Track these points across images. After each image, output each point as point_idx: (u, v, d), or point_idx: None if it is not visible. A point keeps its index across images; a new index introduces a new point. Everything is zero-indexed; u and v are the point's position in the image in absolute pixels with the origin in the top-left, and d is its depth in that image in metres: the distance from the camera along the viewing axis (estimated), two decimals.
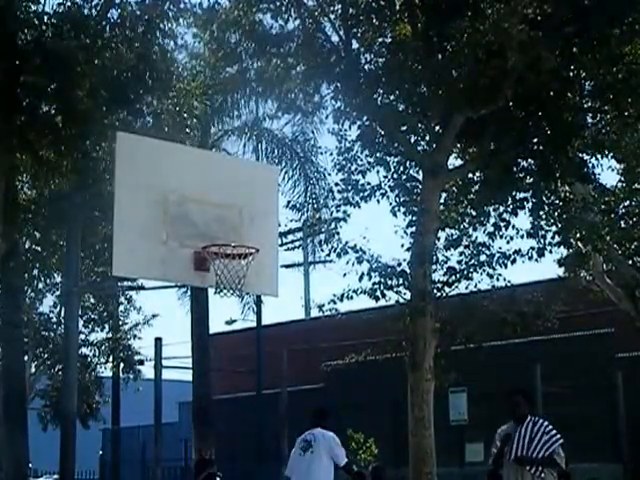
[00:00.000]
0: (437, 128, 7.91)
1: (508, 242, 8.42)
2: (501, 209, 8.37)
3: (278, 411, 9.65)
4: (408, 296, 7.83)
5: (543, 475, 4.89)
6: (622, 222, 10.35)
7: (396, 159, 8.33)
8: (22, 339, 10.37)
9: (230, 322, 17.46)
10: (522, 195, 8.26)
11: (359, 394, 12.82)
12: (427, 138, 8.25)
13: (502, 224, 8.36)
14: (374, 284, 8.15)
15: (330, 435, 5.98)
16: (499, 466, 5.00)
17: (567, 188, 8.37)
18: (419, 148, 8.26)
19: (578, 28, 7.08)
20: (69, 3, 6.77)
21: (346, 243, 8.23)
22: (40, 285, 13.48)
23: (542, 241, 8.29)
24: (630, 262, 10.54)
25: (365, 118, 7.89)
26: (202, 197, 5.12)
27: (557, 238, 8.54)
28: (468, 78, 7.01)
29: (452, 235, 8.68)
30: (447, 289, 8.31)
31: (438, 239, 8.29)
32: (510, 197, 8.24)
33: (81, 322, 13.23)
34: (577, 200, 8.51)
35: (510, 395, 5.15)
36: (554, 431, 4.98)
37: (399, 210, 8.36)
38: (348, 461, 6.03)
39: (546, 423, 5.02)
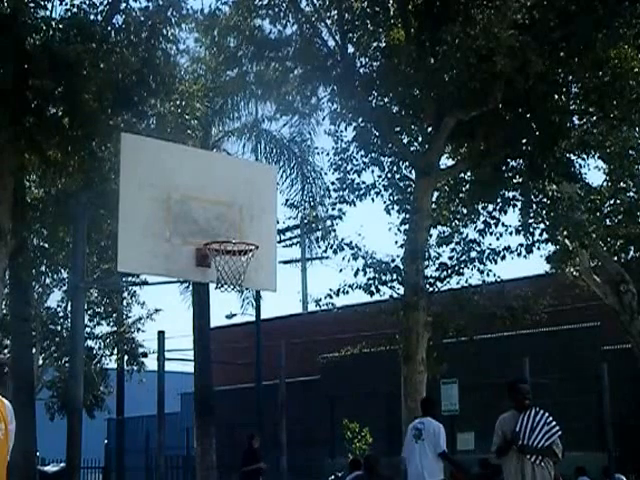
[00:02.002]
0: (429, 129, 8.08)
1: (498, 239, 8.65)
2: (491, 207, 8.58)
3: (276, 401, 9.91)
4: (402, 291, 8.03)
5: (543, 464, 4.95)
6: (607, 220, 10.58)
7: (390, 159, 8.52)
8: (30, 332, 10.57)
9: (230, 316, 17.67)
10: (511, 194, 8.47)
11: (354, 385, 13.02)
12: (420, 139, 8.44)
13: (492, 222, 8.56)
14: (369, 279, 8.37)
15: (436, 424, 6.36)
16: (504, 454, 5.02)
17: (554, 187, 8.53)
18: (412, 149, 8.44)
19: (565, 33, 7.25)
20: (75, 9, 6.92)
21: (342, 240, 8.43)
22: (48, 280, 13.64)
23: (530, 238, 8.48)
24: (615, 258, 10.78)
25: (360, 120, 8.05)
26: (203, 196, 5.29)
27: (545, 235, 8.76)
28: (459, 81, 7.15)
29: (444, 232, 8.91)
30: (439, 284, 8.53)
31: (430, 236, 8.50)
32: (500, 196, 8.44)
33: (87, 316, 13.39)
34: (564, 199, 8.68)
35: (519, 384, 5.17)
36: (554, 422, 5.04)
37: (393, 208, 8.57)
38: (445, 451, 6.34)
39: (547, 414, 5.07)
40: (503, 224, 8.62)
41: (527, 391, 5.16)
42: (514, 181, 8.34)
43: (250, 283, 5.59)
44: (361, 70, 8.14)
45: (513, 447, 5.04)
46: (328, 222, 8.89)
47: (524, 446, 5.00)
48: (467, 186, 8.72)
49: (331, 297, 8.73)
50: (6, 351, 11.77)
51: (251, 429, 11.28)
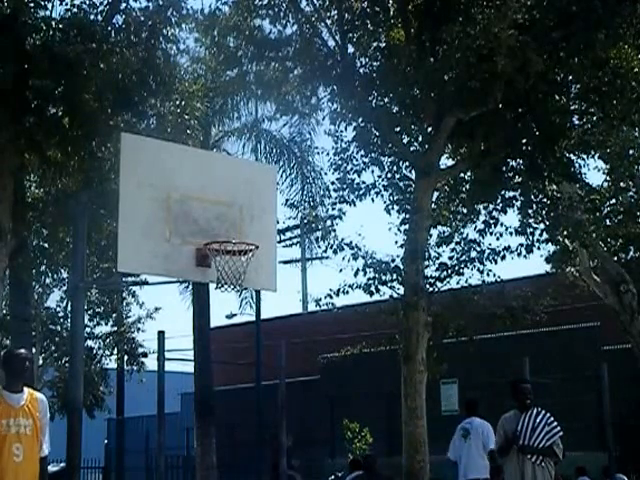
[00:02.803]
0: (429, 129, 8.06)
1: (498, 239, 8.68)
2: (491, 207, 8.59)
3: (276, 401, 9.90)
4: (402, 291, 8.04)
5: (543, 464, 4.99)
6: (607, 220, 10.60)
7: (390, 159, 8.52)
8: (30, 332, 10.57)
9: (230, 316, 17.71)
10: (511, 194, 8.47)
11: (354, 385, 13.06)
12: (420, 139, 8.42)
13: (492, 222, 8.58)
14: (369, 279, 8.40)
15: (482, 423, 6.65)
16: (505, 454, 5.10)
17: (554, 187, 8.52)
18: (412, 148, 8.42)
19: (565, 33, 7.23)
20: (75, 9, 6.92)
21: (342, 240, 8.46)
22: (47, 280, 13.61)
23: (530, 238, 8.50)
24: (615, 258, 10.78)
25: (360, 120, 8.04)
26: (203, 196, 5.32)
27: (545, 235, 8.78)
28: (459, 81, 7.15)
29: (444, 232, 8.93)
30: (439, 284, 8.58)
31: (430, 236, 8.52)
32: (500, 196, 8.44)
33: (87, 316, 13.40)
34: (564, 199, 8.68)
35: (520, 384, 5.22)
36: (555, 422, 5.07)
37: (393, 208, 8.58)
38: (493, 449, 6.44)
39: (548, 414, 5.10)
40: (503, 224, 8.65)
41: (529, 391, 5.18)
42: (514, 181, 8.34)
43: (250, 283, 5.62)
44: (361, 70, 8.14)
45: (514, 447, 5.05)
46: (328, 222, 8.90)
47: (524, 446, 5.02)
48: (467, 186, 8.73)
49: (331, 297, 8.78)
50: None
51: (251, 428, 11.28)
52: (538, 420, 5.06)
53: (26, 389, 4.06)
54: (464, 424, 6.79)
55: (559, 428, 5.13)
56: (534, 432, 5.02)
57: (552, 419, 5.13)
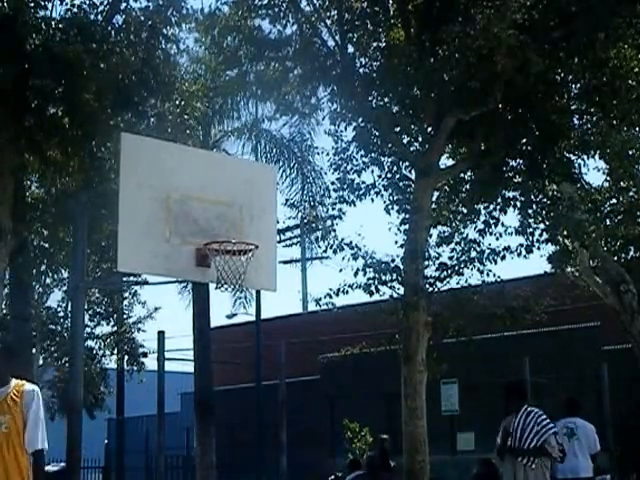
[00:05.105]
0: (429, 129, 8.05)
1: (498, 239, 8.62)
2: (491, 207, 8.54)
3: (276, 401, 9.92)
4: (401, 291, 8.01)
5: (534, 466, 4.92)
6: (607, 220, 10.57)
7: (390, 159, 8.48)
8: (30, 332, 10.59)
9: (230, 316, 17.71)
10: (511, 194, 8.42)
11: (354, 385, 13.09)
12: (420, 139, 8.39)
13: (492, 222, 8.53)
14: (369, 279, 8.34)
15: (590, 425, 6.73)
16: (503, 457, 5.09)
17: (554, 187, 8.51)
18: (412, 148, 8.40)
19: (565, 33, 7.23)
20: (75, 9, 6.93)
21: (342, 240, 8.42)
22: (48, 280, 13.61)
23: (530, 238, 8.46)
24: (615, 258, 10.76)
25: (360, 120, 8.02)
26: (203, 195, 5.31)
27: (545, 235, 8.75)
28: (459, 81, 7.13)
29: (444, 232, 8.88)
30: (439, 284, 8.52)
31: (430, 236, 8.47)
32: (500, 196, 8.39)
33: (87, 316, 13.43)
34: (564, 199, 8.65)
35: (512, 385, 5.31)
36: (546, 421, 4.99)
37: (392, 208, 8.52)
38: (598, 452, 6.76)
39: (540, 413, 5.04)
40: (503, 224, 8.63)
41: (506, 396, 5.18)
42: (514, 181, 8.32)
43: (250, 283, 5.62)
44: (361, 70, 8.12)
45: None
46: (328, 222, 8.89)
47: (513, 448, 4.99)
48: (467, 186, 8.71)
49: (331, 297, 8.73)
50: None
51: (251, 428, 11.25)
52: (528, 421, 5.00)
53: (14, 382, 3.76)
54: (567, 423, 6.69)
55: (551, 426, 5.06)
56: (523, 433, 4.96)
57: (543, 417, 5.05)
